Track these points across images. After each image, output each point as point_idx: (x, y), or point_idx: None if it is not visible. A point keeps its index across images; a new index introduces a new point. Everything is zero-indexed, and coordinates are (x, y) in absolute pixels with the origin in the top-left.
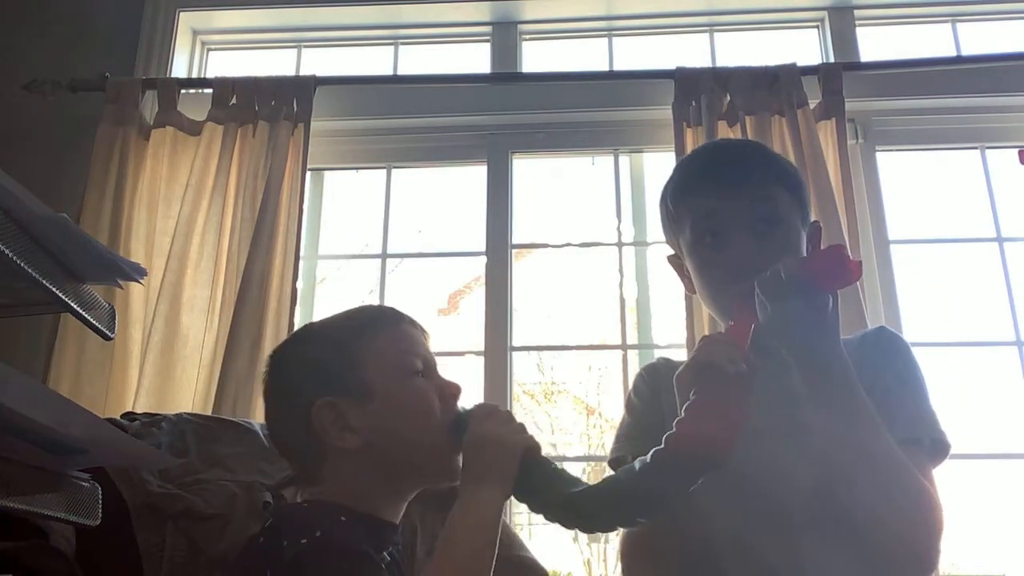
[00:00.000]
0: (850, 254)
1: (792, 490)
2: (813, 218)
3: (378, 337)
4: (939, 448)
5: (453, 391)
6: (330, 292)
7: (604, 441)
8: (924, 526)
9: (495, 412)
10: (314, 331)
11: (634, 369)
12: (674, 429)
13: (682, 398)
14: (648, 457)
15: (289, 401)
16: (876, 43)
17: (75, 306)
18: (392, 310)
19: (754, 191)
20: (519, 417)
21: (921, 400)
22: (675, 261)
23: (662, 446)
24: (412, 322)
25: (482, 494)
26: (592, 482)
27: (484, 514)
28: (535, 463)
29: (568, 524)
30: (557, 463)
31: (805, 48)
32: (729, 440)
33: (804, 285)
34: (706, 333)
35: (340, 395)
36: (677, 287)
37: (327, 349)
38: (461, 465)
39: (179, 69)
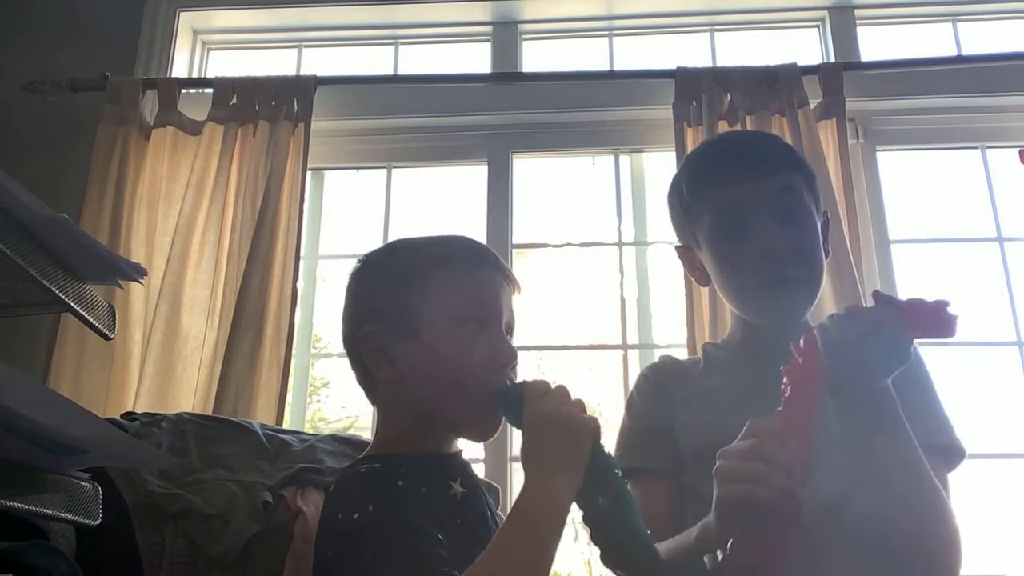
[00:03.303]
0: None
1: (834, 520)
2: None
3: (446, 277)
4: (955, 453)
5: (506, 358)
6: (330, 292)
7: (603, 441)
8: (955, 550)
9: (550, 389)
10: (395, 251)
11: (634, 369)
12: (722, 565)
13: (724, 528)
14: None
15: (346, 316)
16: (876, 43)
17: (75, 306)
18: (478, 250)
19: (776, 180)
20: None
21: (936, 407)
22: (684, 252)
23: None
24: (496, 266)
25: (553, 482)
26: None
27: (555, 504)
28: (600, 453)
29: (603, 552)
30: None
31: (805, 48)
32: (781, 572)
33: (899, 324)
34: (707, 337)
35: (388, 325)
36: (677, 287)
37: (392, 276)
38: (522, 445)
39: (179, 69)
